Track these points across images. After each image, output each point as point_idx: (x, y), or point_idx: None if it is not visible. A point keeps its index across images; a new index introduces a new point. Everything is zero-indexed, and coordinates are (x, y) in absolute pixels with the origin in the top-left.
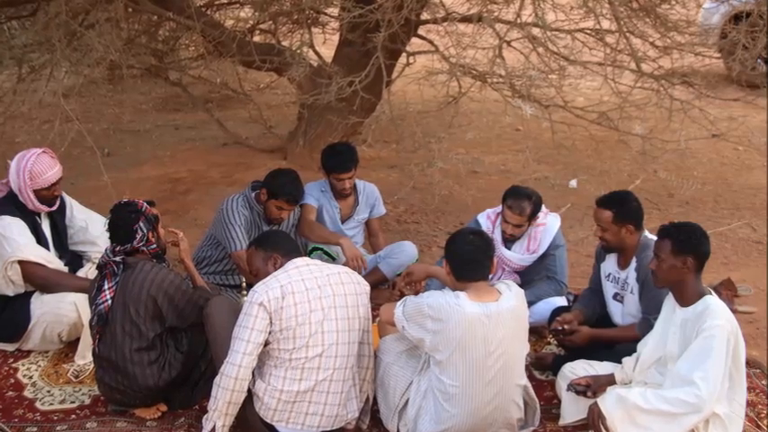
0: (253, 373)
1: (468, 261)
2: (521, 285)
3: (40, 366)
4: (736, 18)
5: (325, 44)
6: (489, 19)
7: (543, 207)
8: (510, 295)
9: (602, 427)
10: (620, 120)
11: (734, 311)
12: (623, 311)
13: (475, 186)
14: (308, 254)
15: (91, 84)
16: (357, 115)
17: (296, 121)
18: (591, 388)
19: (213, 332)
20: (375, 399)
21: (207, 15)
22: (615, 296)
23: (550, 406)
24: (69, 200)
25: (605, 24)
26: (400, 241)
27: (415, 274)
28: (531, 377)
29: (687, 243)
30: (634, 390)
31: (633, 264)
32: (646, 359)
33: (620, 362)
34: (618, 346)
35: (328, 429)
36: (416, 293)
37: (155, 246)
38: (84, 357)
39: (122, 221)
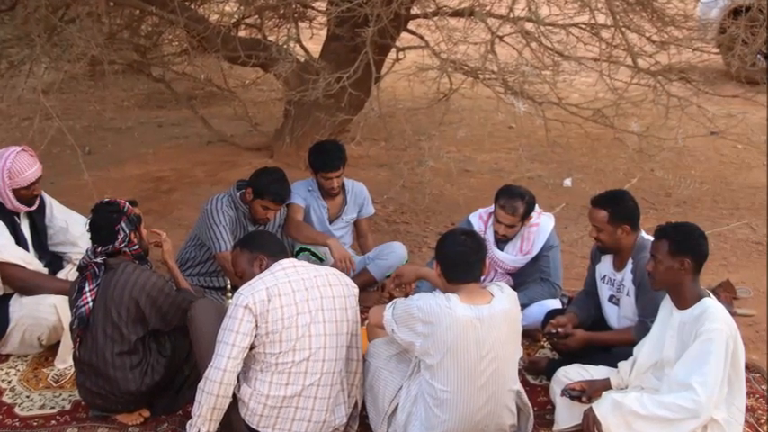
0: (238, 377)
1: (459, 262)
2: (513, 287)
3: (19, 371)
4: (736, 12)
5: (313, 39)
6: (481, 13)
7: (537, 207)
8: (502, 297)
9: None
10: (616, 117)
11: (733, 314)
12: (619, 314)
13: (466, 185)
14: (295, 255)
15: (71, 80)
16: (345, 112)
17: (282, 118)
18: (586, 393)
19: (197, 335)
20: (364, 404)
21: (190, 10)
22: (611, 298)
23: (544, 411)
24: (49, 199)
25: (600, 19)
26: (389, 242)
27: (404, 276)
28: (524, 382)
29: (685, 244)
30: (630, 395)
31: (629, 265)
32: (642, 363)
33: (615, 366)
34: (613, 349)
35: None
36: (406, 296)
37: (137, 247)
38: (65, 361)
39: (104, 222)
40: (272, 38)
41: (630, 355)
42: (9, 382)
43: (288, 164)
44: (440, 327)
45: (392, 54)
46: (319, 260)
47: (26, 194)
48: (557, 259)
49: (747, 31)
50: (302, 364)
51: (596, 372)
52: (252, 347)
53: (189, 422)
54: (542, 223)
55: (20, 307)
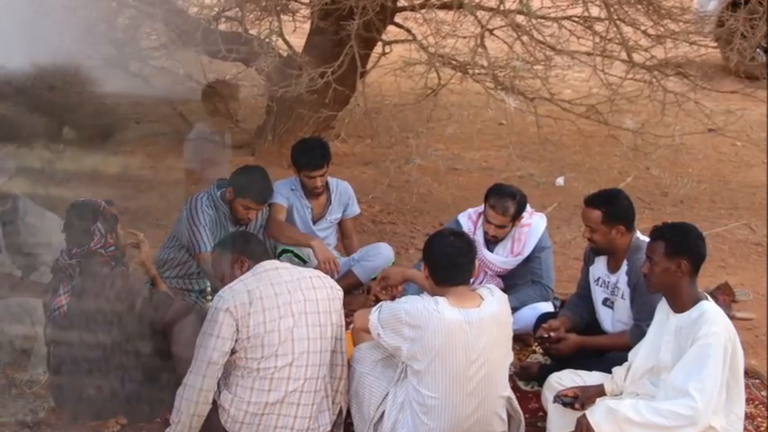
0: (218, 383)
1: (447, 264)
2: (504, 290)
3: None
4: (734, 5)
5: (296, 33)
6: (470, 6)
7: (528, 206)
8: (492, 300)
9: None
10: (611, 113)
11: (731, 318)
12: (613, 318)
13: (455, 184)
14: (278, 256)
15: None
16: (329, 108)
17: (264, 114)
18: (579, 399)
19: (176, 340)
20: (349, 411)
21: (169, 2)
22: (605, 301)
23: (536, 419)
24: (23, 199)
25: (594, 11)
26: (375, 243)
27: (391, 278)
28: (515, 388)
29: (681, 245)
30: (625, 401)
31: (624, 267)
32: (637, 369)
33: (609, 371)
34: (608, 354)
35: None
36: (393, 299)
37: (113, 248)
38: (39, 367)
39: (79, 222)
40: (253, 31)
41: (625, 360)
42: None
43: (270, 162)
44: (427, 331)
45: (378, 48)
46: (302, 262)
47: None
48: (549, 261)
49: (746, 25)
50: (285, 370)
51: (590, 377)
52: (233, 352)
53: (167, 430)
54: (534, 223)
55: None
